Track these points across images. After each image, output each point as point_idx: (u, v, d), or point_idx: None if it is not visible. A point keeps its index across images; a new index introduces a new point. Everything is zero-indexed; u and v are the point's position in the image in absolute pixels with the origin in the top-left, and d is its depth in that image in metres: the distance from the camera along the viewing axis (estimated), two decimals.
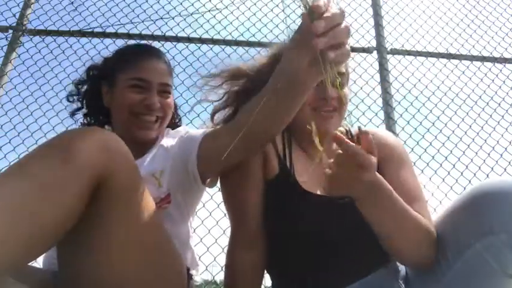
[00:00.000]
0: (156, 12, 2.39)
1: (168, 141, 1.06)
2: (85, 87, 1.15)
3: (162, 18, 2.37)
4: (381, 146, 0.92)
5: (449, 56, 2.39)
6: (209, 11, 2.41)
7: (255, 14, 2.42)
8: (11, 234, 0.53)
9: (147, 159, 1.03)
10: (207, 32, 2.33)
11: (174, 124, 1.20)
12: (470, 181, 2.06)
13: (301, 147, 0.99)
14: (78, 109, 1.16)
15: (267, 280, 1.80)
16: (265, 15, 2.43)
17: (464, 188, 2.04)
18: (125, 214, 0.67)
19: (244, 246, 0.94)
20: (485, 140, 2.21)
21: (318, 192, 0.90)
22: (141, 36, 2.29)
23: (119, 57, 1.11)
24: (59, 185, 0.58)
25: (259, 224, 0.93)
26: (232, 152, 0.77)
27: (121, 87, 1.04)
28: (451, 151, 2.13)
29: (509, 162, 2.16)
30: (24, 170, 0.58)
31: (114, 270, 0.68)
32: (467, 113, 2.26)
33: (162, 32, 2.31)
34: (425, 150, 2.10)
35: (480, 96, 2.32)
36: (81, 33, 2.30)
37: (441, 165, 2.08)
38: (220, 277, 1.83)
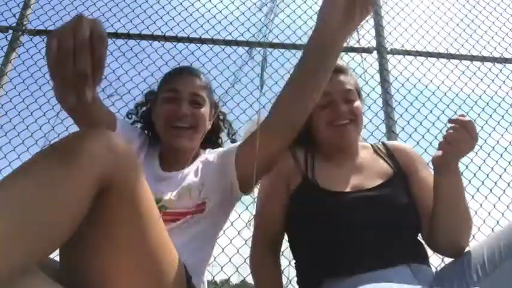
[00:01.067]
0: (156, 12, 2.40)
1: (210, 156, 1.12)
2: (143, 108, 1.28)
3: (161, 18, 2.38)
4: (404, 153, 1.11)
5: (449, 56, 2.39)
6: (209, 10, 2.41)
7: (255, 14, 2.42)
8: (19, 233, 0.53)
9: (187, 174, 1.08)
10: (207, 32, 2.33)
11: (216, 144, 1.26)
12: (470, 181, 2.06)
13: (327, 158, 1.08)
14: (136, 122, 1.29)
15: None
16: (265, 15, 2.42)
17: (464, 188, 2.04)
18: (128, 214, 0.67)
19: (264, 246, 1.07)
20: (485, 140, 2.21)
21: (339, 189, 1.00)
22: (141, 36, 2.30)
23: (161, 79, 1.23)
24: (63, 185, 0.57)
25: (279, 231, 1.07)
26: (268, 142, 0.87)
27: (159, 101, 1.15)
28: None
29: (510, 163, 2.16)
30: (29, 170, 0.58)
31: (118, 270, 0.68)
32: (467, 113, 2.26)
33: (162, 32, 2.32)
34: (425, 150, 2.10)
35: (480, 96, 2.32)
36: None
37: None
38: (220, 277, 1.83)
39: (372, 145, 1.17)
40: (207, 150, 1.18)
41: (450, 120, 0.88)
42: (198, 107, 1.13)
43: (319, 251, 0.94)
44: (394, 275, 0.85)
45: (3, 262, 0.50)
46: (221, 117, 1.29)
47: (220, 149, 1.15)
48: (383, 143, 1.17)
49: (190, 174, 1.08)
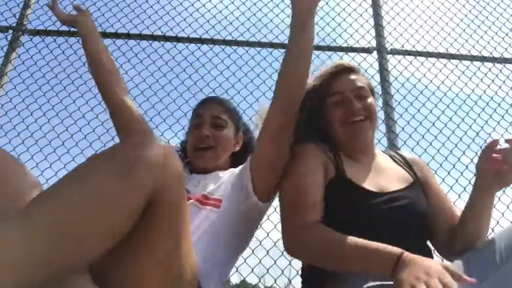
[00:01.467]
0: (156, 12, 2.40)
1: (233, 171, 1.18)
2: None
3: (161, 18, 2.38)
4: (421, 166, 1.15)
5: (449, 56, 2.39)
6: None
7: (255, 14, 2.42)
8: (65, 238, 0.55)
9: (209, 176, 1.15)
10: (207, 32, 2.33)
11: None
12: (470, 181, 2.06)
13: (350, 157, 1.07)
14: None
15: (267, 281, 1.80)
16: (265, 15, 2.43)
17: (464, 188, 2.04)
18: (170, 228, 0.69)
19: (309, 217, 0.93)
20: (485, 140, 2.21)
21: (369, 188, 1.00)
22: (141, 36, 2.30)
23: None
24: (116, 197, 0.59)
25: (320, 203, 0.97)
26: (270, 118, 0.98)
27: (188, 130, 1.30)
28: (451, 151, 2.13)
29: None
30: (83, 179, 0.59)
31: (150, 279, 0.69)
32: (467, 113, 2.26)
33: (162, 32, 2.32)
34: (425, 150, 2.10)
35: (480, 96, 2.32)
36: None
37: (441, 165, 2.08)
38: None
39: (386, 153, 1.19)
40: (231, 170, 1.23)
41: (508, 141, 0.94)
42: (220, 129, 1.21)
43: None
44: None
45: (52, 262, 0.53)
46: (250, 140, 1.32)
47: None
48: (397, 153, 1.21)
49: (213, 177, 1.15)
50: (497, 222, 1.98)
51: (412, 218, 0.99)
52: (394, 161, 1.15)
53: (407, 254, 0.77)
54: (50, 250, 0.53)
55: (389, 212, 0.97)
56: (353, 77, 1.10)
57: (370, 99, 1.09)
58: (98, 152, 0.70)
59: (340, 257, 0.84)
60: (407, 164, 1.14)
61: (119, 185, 0.59)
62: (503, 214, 2.01)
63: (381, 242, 0.91)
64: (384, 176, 1.06)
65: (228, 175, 1.16)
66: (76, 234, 0.56)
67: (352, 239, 0.83)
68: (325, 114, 1.09)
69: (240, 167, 1.15)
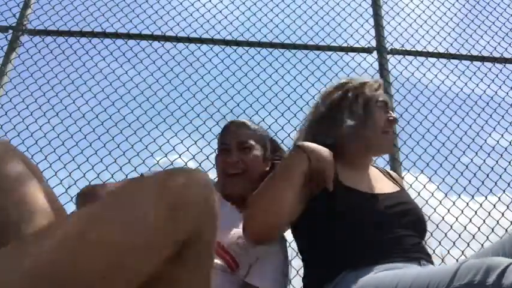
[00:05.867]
0: (156, 12, 2.40)
1: None
2: None
3: (161, 18, 2.38)
4: (401, 180, 1.24)
5: (449, 56, 2.39)
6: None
7: (255, 14, 2.42)
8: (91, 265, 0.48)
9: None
10: (207, 32, 2.33)
11: None
12: (470, 181, 2.07)
13: (348, 162, 1.09)
14: None
15: None
16: (265, 15, 2.43)
17: (464, 188, 2.05)
18: (202, 268, 0.64)
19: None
20: (485, 140, 2.22)
21: (365, 190, 1.04)
22: (141, 36, 2.29)
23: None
24: (161, 234, 0.54)
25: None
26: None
27: (216, 156, 1.29)
28: (451, 151, 2.13)
29: (509, 162, 2.16)
30: (125, 209, 0.53)
31: None
32: (467, 113, 2.26)
33: (162, 32, 2.32)
34: (425, 150, 2.10)
35: (480, 96, 2.32)
36: (81, 33, 2.30)
37: (441, 165, 2.08)
38: None
39: (373, 166, 1.24)
40: None
41: None
42: (247, 151, 1.22)
43: (343, 247, 0.96)
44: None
45: None
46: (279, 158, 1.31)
47: None
48: (380, 168, 1.27)
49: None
50: (497, 222, 1.98)
51: (411, 217, 1.01)
52: (382, 172, 1.21)
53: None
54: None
55: (388, 211, 0.99)
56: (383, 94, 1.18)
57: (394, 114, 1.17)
58: (138, 179, 0.64)
59: (274, 187, 0.94)
60: (389, 175, 1.22)
61: (162, 226, 0.54)
62: (503, 214, 2.01)
63: (382, 241, 0.94)
64: (378, 181, 1.12)
65: None
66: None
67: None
68: (366, 113, 1.11)
69: None
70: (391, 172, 1.27)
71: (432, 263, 0.98)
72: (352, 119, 1.08)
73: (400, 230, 0.96)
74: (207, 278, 0.66)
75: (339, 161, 1.07)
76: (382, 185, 1.11)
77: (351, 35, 2.39)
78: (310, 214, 1.01)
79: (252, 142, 1.24)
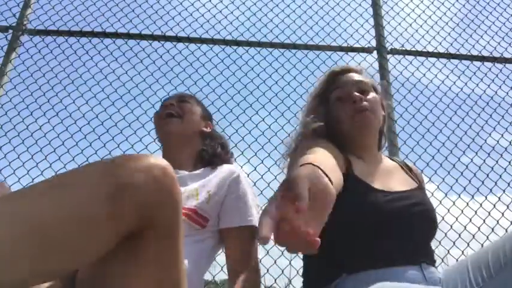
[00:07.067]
0: (156, 12, 2.40)
1: (221, 175, 1.16)
2: None
3: (161, 18, 2.38)
4: (420, 175, 1.18)
5: (449, 56, 2.39)
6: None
7: (255, 14, 2.42)
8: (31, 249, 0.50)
9: (197, 176, 1.15)
10: (207, 32, 2.33)
11: (219, 157, 1.26)
12: (470, 181, 2.07)
13: (359, 158, 1.06)
14: None
15: (267, 281, 1.80)
16: (265, 15, 2.43)
17: (464, 188, 2.05)
18: (162, 255, 0.62)
19: None
20: (485, 140, 2.22)
21: (377, 186, 1.00)
22: (141, 36, 2.29)
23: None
24: (98, 221, 0.53)
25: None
26: None
27: None
28: (451, 151, 2.13)
29: (510, 162, 2.16)
30: (64, 198, 0.53)
31: None
32: (467, 113, 2.26)
33: (162, 32, 2.32)
34: (425, 150, 2.10)
35: (480, 96, 2.32)
36: (81, 33, 2.30)
37: (441, 165, 2.08)
38: (220, 277, 1.83)
39: (390, 159, 1.21)
40: (226, 167, 1.21)
41: None
42: (186, 104, 1.29)
43: (346, 245, 0.94)
44: (403, 273, 0.88)
45: (8, 274, 0.48)
46: (223, 145, 1.33)
47: (233, 175, 1.17)
48: (397, 160, 1.23)
49: (201, 179, 1.14)
50: (497, 222, 1.98)
51: (420, 217, 0.99)
52: (399, 166, 1.17)
53: None
54: (29, 249, 0.49)
55: (397, 210, 0.96)
56: (355, 74, 1.14)
57: (372, 94, 1.11)
58: (84, 165, 0.62)
59: None
60: (408, 169, 1.17)
61: (99, 206, 0.52)
62: (503, 214, 2.01)
63: (388, 240, 0.92)
64: (391, 177, 1.07)
65: (217, 183, 1.14)
66: (49, 243, 0.50)
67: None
68: (331, 112, 1.10)
69: (228, 188, 1.14)
70: (411, 165, 1.22)
71: (434, 266, 0.97)
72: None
73: (404, 232, 0.94)
74: (169, 266, 0.63)
75: (347, 151, 1.05)
76: (394, 181, 1.06)
77: (351, 35, 2.40)
78: None
79: (191, 100, 1.32)
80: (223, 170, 1.18)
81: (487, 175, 2.09)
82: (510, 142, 2.22)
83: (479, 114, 2.26)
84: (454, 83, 2.34)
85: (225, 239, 1.12)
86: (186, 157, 1.24)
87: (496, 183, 2.08)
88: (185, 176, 1.15)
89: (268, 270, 1.74)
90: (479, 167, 2.11)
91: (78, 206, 0.52)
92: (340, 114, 1.09)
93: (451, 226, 1.95)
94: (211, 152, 1.25)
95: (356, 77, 1.13)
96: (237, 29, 2.35)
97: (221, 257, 1.72)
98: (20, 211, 0.51)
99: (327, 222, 0.89)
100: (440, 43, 2.42)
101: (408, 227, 0.96)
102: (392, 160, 1.20)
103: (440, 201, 2.00)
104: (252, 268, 1.09)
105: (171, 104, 1.26)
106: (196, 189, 1.09)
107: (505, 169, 2.13)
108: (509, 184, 2.09)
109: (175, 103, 1.27)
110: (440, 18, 2.52)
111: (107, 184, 0.54)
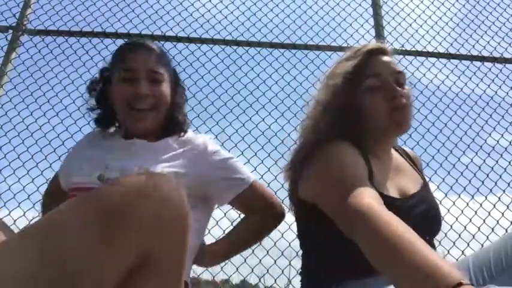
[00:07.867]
0: (156, 12, 2.39)
1: (187, 148, 1.07)
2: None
3: (161, 18, 2.38)
4: (420, 164, 1.14)
5: (449, 56, 2.39)
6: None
7: (255, 14, 2.42)
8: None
9: (168, 149, 1.05)
10: (207, 32, 2.33)
11: (179, 126, 1.13)
12: (470, 181, 2.07)
13: (376, 157, 0.98)
14: (94, 108, 1.18)
15: (267, 281, 1.80)
16: (265, 15, 2.43)
17: (464, 188, 2.05)
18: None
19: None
20: (485, 140, 2.22)
21: (393, 194, 0.93)
22: (141, 36, 2.29)
23: (112, 56, 1.15)
24: (96, 263, 0.49)
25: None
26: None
27: (115, 83, 1.08)
28: (451, 151, 2.13)
29: (510, 162, 2.16)
30: (67, 225, 0.50)
31: None
32: (467, 113, 2.26)
33: (162, 32, 2.32)
34: (425, 150, 2.10)
35: (480, 96, 2.32)
36: (81, 33, 2.30)
37: (441, 165, 2.08)
38: (219, 277, 1.83)
39: (393, 148, 1.12)
40: (196, 135, 1.13)
41: None
42: (158, 84, 1.06)
43: (345, 253, 0.89)
44: None
45: None
46: (182, 91, 1.19)
47: (200, 145, 1.08)
48: (399, 148, 1.16)
49: (165, 155, 1.04)
50: (497, 222, 1.98)
51: (430, 222, 0.97)
52: (405, 159, 1.11)
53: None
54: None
55: (414, 218, 0.90)
56: (390, 60, 1.02)
57: (407, 88, 1.00)
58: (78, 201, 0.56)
59: (386, 255, 0.63)
60: (412, 162, 1.12)
61: (95, 250, 0.49)
62: (503, 214, 2.01)
63: None
64: (404, 176, 1.02)
65: (187, 149, 1.06)
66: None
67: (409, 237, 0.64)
68: (359, 103, 0.97)
69: (215, 163, 1.07)
70: (409, 151, 1.15)
71: None
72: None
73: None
74: None
75: (368, 152, 0.96)
76: (407, 181, 1.01)
77: (351, 35, 2.40)
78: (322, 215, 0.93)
79: (163, 71, 1.08)
80: (192, 143, 1.09)
81: (487, 175, 2.10)
82: (510, 142, 2.23)
83: (479, 114, 2.27)
84: (454, 83, 2.34)
85: (236, 207, 1.18)
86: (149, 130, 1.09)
87: (496, 183, 2.09)
88: (146, 145, 1.06)
89: (268, 270, 1.75)
90: (479, 167, 2.11)
91: (73, 253, 0.49)
92: (374, 107, 0.96)
93: (451, 226, 1.95)
94: (177, 122, 1.12)
95: (393, 64, 1.01)
96: (237, 29, 2.35)
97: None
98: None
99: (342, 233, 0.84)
100: (440, 43, 2.42)
101: (422, 232, 0.94)
102: (396, 151, 1.12)
103: (440, 201, 2.00)
104: (269, 209, 1.16)
105: (146, 96, 1.04)
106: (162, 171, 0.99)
107: (505, 169, 2.13)
108: (509, 184, 2.09)
109: (146, 87, 1.04)
110: (440, 18, 2.52)
111: (99, 220, 0.50)
